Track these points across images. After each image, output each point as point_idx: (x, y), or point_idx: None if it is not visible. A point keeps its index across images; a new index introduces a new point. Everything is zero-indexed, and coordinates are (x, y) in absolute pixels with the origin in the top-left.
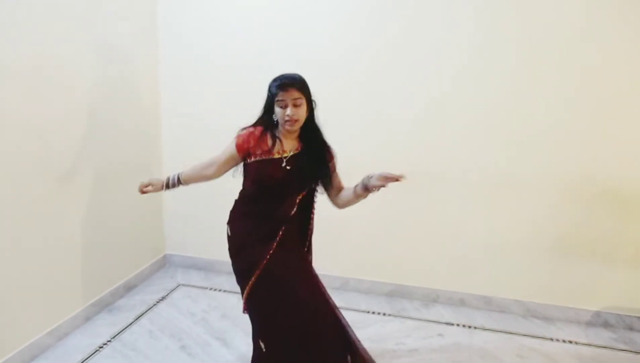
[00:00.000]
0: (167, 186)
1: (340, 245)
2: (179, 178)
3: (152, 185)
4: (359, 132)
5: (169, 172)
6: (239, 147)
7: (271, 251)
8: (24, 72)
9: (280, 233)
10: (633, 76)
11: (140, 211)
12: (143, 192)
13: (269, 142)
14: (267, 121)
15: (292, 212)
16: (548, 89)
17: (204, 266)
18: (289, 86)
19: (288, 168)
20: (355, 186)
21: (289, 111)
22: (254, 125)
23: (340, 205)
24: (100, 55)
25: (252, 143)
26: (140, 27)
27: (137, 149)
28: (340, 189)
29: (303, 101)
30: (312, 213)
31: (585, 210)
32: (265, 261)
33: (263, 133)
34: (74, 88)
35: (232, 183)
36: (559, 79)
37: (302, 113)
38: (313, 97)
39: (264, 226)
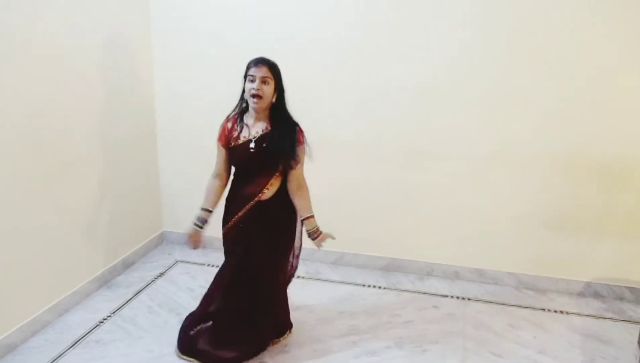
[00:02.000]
0: (202, 225)
1: (336, 220)
2: (205, 210)
3: (194, 236)
4: (354, 111)
5: (163, 148)
6: (221, 143)
7: (231, 224)
8: (20, 53)
9: (244, 211)
10: (622, 52)
11: (137, 189)
12: (196, 246)
13: (237, 128)
14: (240, 107)
15: (264, 192)
16: (539, 66)
17: (201, 243)
18: (260, 62)
19: (252, 150)
20: (301, 218)
21: (255, 84)
22: (229, 116)
23: (291, 195)
24: (94, 34)
25: (226, 133)
26: (133, 2)
27: (132, 127)
28: (299, 185)
29: (271, 82)
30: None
31: (575, 184)
32: (226, 229)
33: (235, 121)
34: (68, 69)
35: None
36: (550, 57)
37: (267, 91)
38: (284, 85)
39: (234, 202)
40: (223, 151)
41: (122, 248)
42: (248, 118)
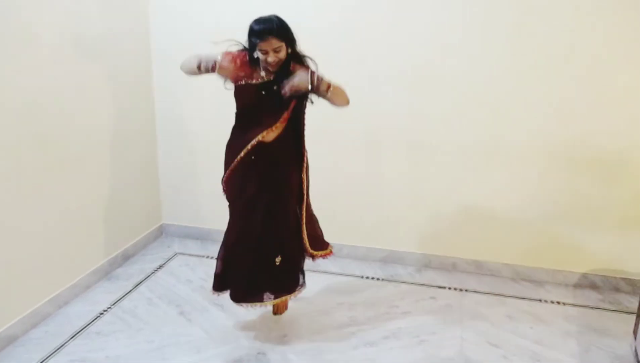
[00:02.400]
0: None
1: (334, 212)
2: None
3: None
4: (351, 102)
5: (163, 139)
6: (221, 66)
7: (233, 166)
8: (20, 49)
9: (250, 147)
10: (620, 47)
11: (136, 181)
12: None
13: (250, 68)
14: (250, 54)
15: (270, 137)
16: (536, 56)
17: (200, 236)
18: (269, 35)
19: (263, 92)
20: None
21: (270, 58)
22: (241, 49)
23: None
24: (94, 29)
25: (238, 63)
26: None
27: (131, 120)
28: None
29: (283, 46)
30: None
31: (572, 176)
32: (229, 173)
33: (244, 59)
34: (67, 63)
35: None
36: (548, 47)
37: (282, 55)
38: (294, 36)
39: (241, 140)
40: (215, 65)
41: (122, 241)
42: (259, 65)
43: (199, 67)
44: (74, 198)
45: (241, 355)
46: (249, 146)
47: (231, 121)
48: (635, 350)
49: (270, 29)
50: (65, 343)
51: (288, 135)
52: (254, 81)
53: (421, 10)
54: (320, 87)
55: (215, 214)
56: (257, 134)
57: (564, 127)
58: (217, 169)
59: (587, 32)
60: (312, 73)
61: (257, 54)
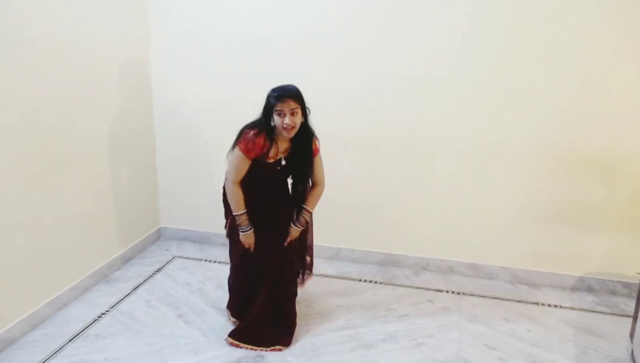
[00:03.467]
0: (250, 227)
1: (332, 216)
2: (244, 213)
3: (250, 238)
4: (349, 107)
5: (161, 142)
6: (247, 155)
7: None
8: (19, 51)
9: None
10: (618, 48)
11: (135, 184)
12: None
13: (267, 146)
14: (266, 126)
15: (279, 194)
16: (535, 62)
17: (199, 239)
18: (287, 97)
19: (278, 168)
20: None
21: (287, 120)
22: (256, 130)
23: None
24: (93, 31)
25: (258, 149)
26: (130, 1)
27: (130, 123)
28: (316, 183)
29: (299, 110)
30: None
31: (569, 179)
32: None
33: (265, 139)
34: (66, 65)
35: (223, 159)
36: (546, 51)
37: (298, 120)
38: (307, 105)
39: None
40: (248, 162)
41: (121, 244)
42: (275, 137)
43: (239, 183)
44: (72, 201)
45: (239, 358)
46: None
47: (231, 124)
48: (632, 353)
49: (289, 91)
50: (64, 345)
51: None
52: (272, 159)
53: (420, 16)
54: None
55: (214, 217)
56: (275, 203)
57: (561, 131)
58: (215, 173)
59: (585, 35)
60: (300, 225)
61: (274, 121)
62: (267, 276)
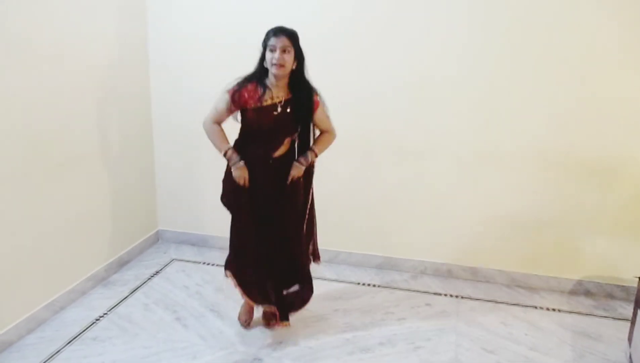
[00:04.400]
0: (240, 159)
1: (330, 219)
2: (231, 149)
3: (243, 170)
4: (346, 110)
5: (159, 145)
6: (231, 98)
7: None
8: (18, 53)
9: (267, 168)
10: (616, 53)
11: (133, 187)
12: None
13: (260, 91)
14: (259, 73)
15: (280, 152)
16: (532, 66)
17: (197, 242)
18: (281, 32)
19: (276, 113)
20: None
21: (276, 54)
22: (247, 79)
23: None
24: (91, 34)
25: (247, 94)
26: (128, 4)
27: (128, 126)
28: (326, 130)
29: (291, 50)
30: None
31: (566, 183)
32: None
33: (256, 86)
34: (65, 68)
35: (221, 162)
36: (542, 55)
37: (288, 60)
38: (303, 53)
39: (255, 161)
40: (232, 106)
41: (118, 246)
42: (269, 82)
43: (218, 123)
44: (70, 204)
45: (237, 361)
46: (270, 161)
47: (230, 127)
48: (630, 357)
49: (286, 29)
50: (61, 348)
51: (293, 151)
52: (264, 103)
53: (418, 20)
54: (312, 163)
55: (212, 220)
56: (267, 152)
57: (557, 135)
58: (213, 176)
59: (582, 40)
60: (304, 161)
61: (267, 57)
62: (267, 224)
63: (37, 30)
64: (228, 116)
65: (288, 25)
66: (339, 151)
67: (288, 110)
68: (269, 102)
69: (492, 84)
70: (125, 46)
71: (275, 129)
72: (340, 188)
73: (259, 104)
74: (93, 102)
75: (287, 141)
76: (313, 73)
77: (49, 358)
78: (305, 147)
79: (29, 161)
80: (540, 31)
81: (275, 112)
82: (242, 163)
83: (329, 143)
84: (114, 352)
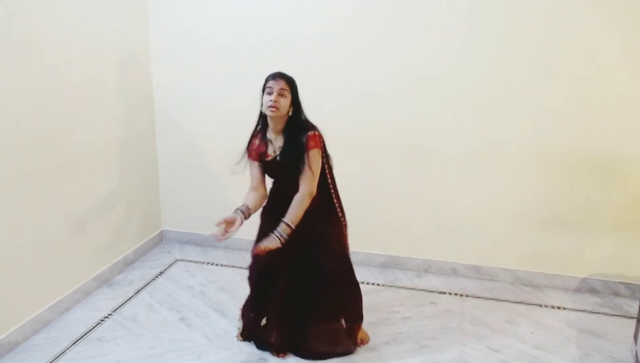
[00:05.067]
0: (243, 214)
1: None
2: (244, 206)
3: (231, 220)
4: (350, 108)
5: (162, 144)
6: (252, 158)
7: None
8: (21, 52)
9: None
10: (617, 51)
11: (136, 188)
12: (226, 233)
13: (262, 147)
14: (260, 124)
15: (288, 196)
16: (535, 63)
17: (201, 242)
18: (278, 76)
19: (278, 159)
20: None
21: (272, 97)
22: (252, 135)
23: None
24: (93, 33)
25: (255, 148)
26: (130, 3)
27: (131, 126)
28: (302, 191)
29: (287, 94)
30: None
31: (570, 180)
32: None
33: (260, 138)
34: (68, 68)
35: (224, 161)
36: (543, 52)
37: (284, 103)
38: (300, 99)
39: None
40: (255, 164)
41: (123, 247)
42: (270, 134)
43: (255, 188)
44: (74, 205)
45: (241, 361)
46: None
47: (233, 127)
48: (636, 355)
49: (282, 74)
50: (66, 349)
51: (318, 201)
52: (269, 157)
53: (419, 18)
54: (289, 235)
55: (216, 220)
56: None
57: (561, 132)
58: (217, 176)
59: (584, 37)
60: (277, 235)
61: (264, 100)
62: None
63: (39, 30)
64: (259, 172)
65: (288, 25)
66: (341, 150)
67: (279, 159)
68: (272, 156)
69: (495, 82)
70: (127, 46)
71: (283, 175)
72: (343, 187)
73: (265, 159)
74: (96, 103)
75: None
76: (314, 73)
77: (54, 359)
78: (326, 194)
79: (32, 161)
80: (544, 29)
81: (278, 159)
82: (237, 214)
83: (299, 205)
84: (118, 352)
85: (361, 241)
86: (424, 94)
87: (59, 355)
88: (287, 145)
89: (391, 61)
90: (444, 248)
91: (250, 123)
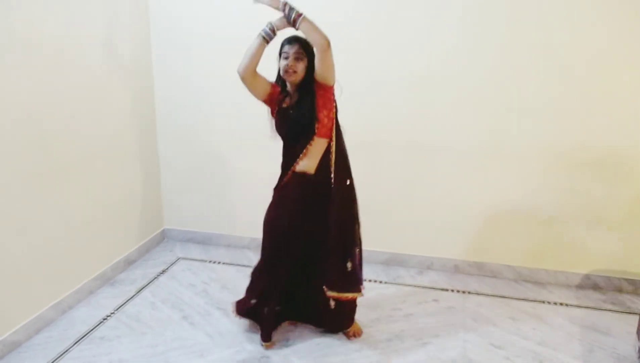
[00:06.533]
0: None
1: None
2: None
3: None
4: (351, 105)
5: (164, 143)
6: (269, 94)
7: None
8: (21, 52)
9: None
10: (619, 46)
11: (138, 187)
12: None
13: (281, 96)
14: (281, 82)
15: (305, 166)
16: (536, 60)
17: (203, 240)
18: (294, 40)
19: (292, 112)
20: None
21: (289, 62)
22: (276, 82)
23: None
24: (94, 32)
25: (274, 96)
26: (131, 3)
27: (132, 125)
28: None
29: (304, 58)
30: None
31: (573, 177)
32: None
33: (280, 89)
34: (69, 67)
35: (226, 160)
36: (547, 50)
37: (300, 67)
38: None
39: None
40: (264, 92)
41: (125, 246)
42: (289, 87)
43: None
44: (76, 204)
45: (244, 359)
46: (285, 178)
47: (234, 125)
48: (639, 350)
49: (298, 38)
50: (69, 348)
51: (325, 169)
52: (283, 105)
53: (421, 15)
54: (291, 13)
55: (218, 218)
56: (289, 163)
57: (564, 128)
58: (218, 174)
59: (586, 34)
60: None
61: (280, 64)
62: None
63: (40, 30)
64: (260, 83)
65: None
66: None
67: (291, 112)
68: (289, 104)
69: (498, 81)
70: (128, 45)
71: (288, 134)
72: None
73: (280, 106)
74: (97, 102)
75: (309, 150)
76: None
77: (57, 358)
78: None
79: (34, 162)
80: (545, 27)
81: (291, 111)
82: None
83: (317, 28)
84: (121, 350)
85: (364, 238)
86: (425, 92)
87: (62, 353)
88: (301, 99)
89: (392, 59)
90: (446, 245)
91: (251, 122)
